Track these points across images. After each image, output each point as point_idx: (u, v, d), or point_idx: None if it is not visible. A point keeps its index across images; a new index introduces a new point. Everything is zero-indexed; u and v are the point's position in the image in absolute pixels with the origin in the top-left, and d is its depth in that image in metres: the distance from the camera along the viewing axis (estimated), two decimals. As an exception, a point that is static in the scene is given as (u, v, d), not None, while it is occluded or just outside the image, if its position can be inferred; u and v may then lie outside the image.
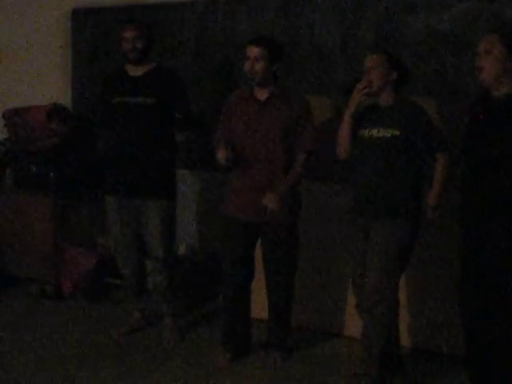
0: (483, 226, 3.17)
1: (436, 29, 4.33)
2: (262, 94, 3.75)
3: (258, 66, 3.66)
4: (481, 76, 3.15)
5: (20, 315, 4.70)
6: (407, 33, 4.42)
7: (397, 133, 3.44)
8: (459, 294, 3.35)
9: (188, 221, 5.24)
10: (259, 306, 4.22)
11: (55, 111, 5.25)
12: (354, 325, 4.14)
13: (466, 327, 3.34)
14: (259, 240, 3.86)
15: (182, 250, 5.19)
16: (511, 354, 3.16)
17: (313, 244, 4.33)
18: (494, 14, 4.15)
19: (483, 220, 3.17)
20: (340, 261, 4.24)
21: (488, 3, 4.15)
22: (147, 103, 4.08)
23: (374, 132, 3.50)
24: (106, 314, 4.72)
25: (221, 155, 3.64)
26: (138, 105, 4.10)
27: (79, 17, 5.75)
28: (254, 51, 3.66)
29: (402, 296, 3.90)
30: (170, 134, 4.22)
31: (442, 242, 3.91)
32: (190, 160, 5.11)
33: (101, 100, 4.32)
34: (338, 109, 4.29)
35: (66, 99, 5.76)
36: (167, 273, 4.23)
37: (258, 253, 3.90)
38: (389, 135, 3.45)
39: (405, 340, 4.00)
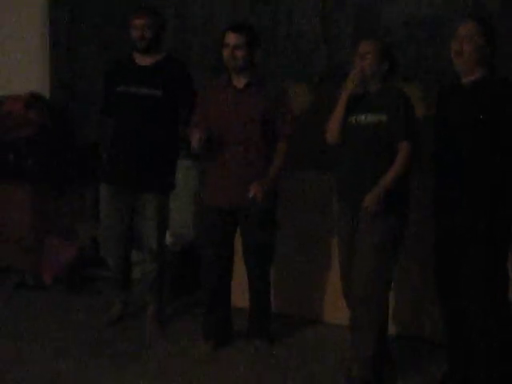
0: (455, 210, 3.20)
1: (414, 15, 4.33)
2: (240, 82, 3.73)
3: (239, 54, 3.64)
4: (459, 60, 3.17)
5: None
6: (385, 18, 4.43)
7: (384, 118, 3.41)
8: (435, 280, 3.38)
9: (175, 209, 5.21)
10: (240, 295, 4.21)
11: (33, 100, 5.21)
12: (335, 311, 4.17)
13: (443, 313, 3.39)
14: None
15: (167, 239, 5.17)
16: (489, 341, 3.18)
17: (296, 231, 4.34)
18: (469, 1, 4.16)
19: (455, 206, 3.20)
20: (322, 248, 4.25)
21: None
22: (152, 94, 4.00)
23: (361, 118, 3.47)
24: (86, 305, 4.68)
25: (194, 138, 3.60)
26: (142, 95, 4.01)
27: (57, 4, 5.69)
28: (233, 39, 3.64)
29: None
30: (173, 127, 4.12)
31: (424, 227, 3.92)
32: (189, 149, 5.08)
33: (104, 87, 4.21)
34: (318, 96, 4.29)
35: (43, 88, 5.71)
36: (158, 264, 4.21)
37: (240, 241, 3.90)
38: (375, 120, 3.43)
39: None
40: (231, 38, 3.65)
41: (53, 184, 5.17)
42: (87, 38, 5.52)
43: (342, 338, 3.92)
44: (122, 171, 4.10)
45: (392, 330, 4.08)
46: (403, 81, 3.94)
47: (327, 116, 3.57)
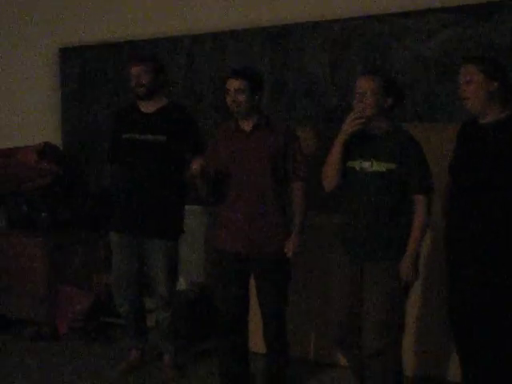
0: (470, 254, 3.16)
1: (423, 55, 4.36)
2: (247, 125, 3.74)
3: (241, 98, 3.65)
4: (467, 106, 3.16)
5: (15, 358, 4.63)
6: (395, 60, 4.45)
7: (393, 166, 3.20)
8: (449, 322, 3.34)
9: (187, 255, 5.20)
10: (258, 340, 4.17)
11: (46, 150, 5.23)
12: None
13: (460, 354, 3.34)
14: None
15: (182, 284, 5.15)
16: (504, 379, 3.14)
17: (310, 275, 4.31)
18: (479, 39, 4.19)
19: (470, 249, 3.16)
20: (338, 291, 4.20)
21: (472, 29, 4.19)
22: (156, 141, 4.04)
23: (366, 165, 3.26)
24: (103, 353, 4.65)
25: (196, 162, 3.56)
26: (147, 142, 4.05)
27: (67, 55, 5.78)
28: (233, 84, 3.66)
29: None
30: (179, 172, 4.11)
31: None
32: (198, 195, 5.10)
33: (111, 135, 4.27)
34: (327, 139, 4.29)
35: (56, 138, 5.76)
36: (172, 310, 4.18)
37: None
38: (384, 169, 3.21)
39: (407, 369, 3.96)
40: (232, 84, 3.67)
41: (66, 234, 5.18)
42: (98, 87, 5.57)
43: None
44: (128, 218, 4.11)
45: (409, 370, 4.04)
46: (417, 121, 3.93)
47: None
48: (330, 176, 3.37)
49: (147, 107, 4.13)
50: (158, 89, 4.13)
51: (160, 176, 4.05)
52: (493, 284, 3.10)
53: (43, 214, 5.05)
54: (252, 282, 3.81)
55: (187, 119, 4.15)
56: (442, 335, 3.92)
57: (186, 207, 4.29)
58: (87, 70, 5.68)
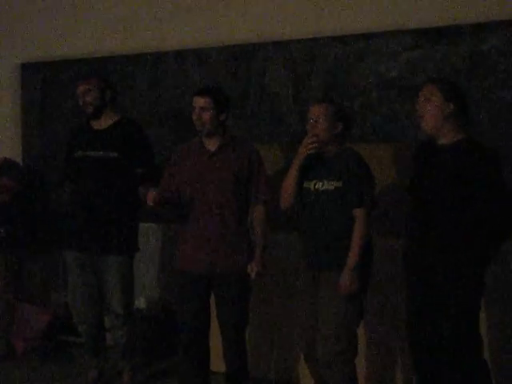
0: (428, 274, 3.20)
1: (385, 76, 4.42)
2: (212, 145, 3.75)
3: (205, 116, 3.66)
4: (422, 124, 3.22)
5: (-30, 377, 4.55)
6: (357, 81, 4.51)
7: (339, 184, 3.41)
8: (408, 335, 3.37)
9: (147, 273, 5.17)
10: (218, 359, 4.14)
11: (5, 166, 5.17)
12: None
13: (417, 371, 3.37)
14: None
15: (141, 303, 5.11)
16: None
17: (270, 294, 4.30)
18: (439, 61, 4.26)
19: (428, 269, 3.20)
20: (297, 311, 4.21)
21: (433, 51, 4.26)
22: (108, 157, 4.04)
23: (320, 185, 3.47)
24: (61, 373, 4.58)
25: (150, 197, 3.61)
26: (99, 159, 4.05)
27: (29, 71, 5.73)
28: (199, 102, 3.67)
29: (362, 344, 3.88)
30: (132, 188, 4.09)
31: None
32: (152, 212, 5.07)
33: (65, 153, 4.28)
34: (290, 157, 4.32)
35: (15, 154, 5.69)
36: (127, 328, 4.15)
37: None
38: (332, 187, 3.42)
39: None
40: (197, 101, 3.68)
41: (25, 250, 5.11)
42: (59, 103, 5.54)
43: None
44: (82, 236, 4.09)
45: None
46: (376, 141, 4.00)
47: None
48: (287, 196, 3.55)
49: (98, 124, 4.15)
50: (107, 105, 4.14)
51: (112, 192, 4.05)
52: (451, 309, 3.13)
53: (1, 231, 4.97)
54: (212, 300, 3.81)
55: (139, 135, 4.16)
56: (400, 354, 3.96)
57: (142, 225, 4.30)
58: (48, 86, 5.64)
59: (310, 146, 3.43)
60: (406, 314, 3.37)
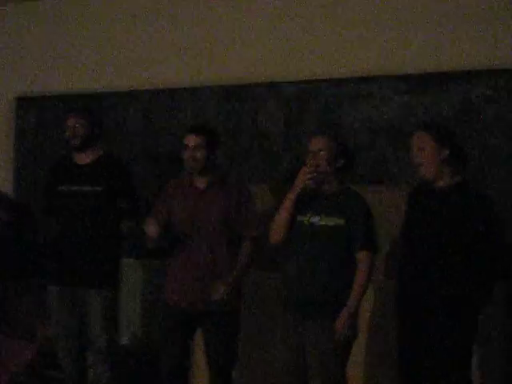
0: (421, 318, 3.20)
1: (375, 120, 4.47)
2: (202, 183, 3.76)
3: (199, 155, 3.68)
4: (421, 172, 3.24)
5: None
6: (348, 123, 4.55)
7: (341, 222, 3.27)
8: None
9: (131, 309, 5.15)
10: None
11: (-5, 198, 5.18)
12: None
13: None
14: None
15: (124, 339, 5.07)
16: None
17: (259, 333, 4.29)
18: (429, 107, 4.31)
19: (421, 313, 3.20)
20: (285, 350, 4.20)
21: (423, 96, 4.32)
22: (91, 192, 4.06)
23: (316, 219, 3.32)
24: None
25: (150, 229, 3.61)
26: (82, 194, 4.07)
27: (23, 105, 5.76)
28: (192, 140, 3.69)
29: None
30: (114, 223, 4.14)
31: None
32: (133, 248, 5.06)
33: (46, 187, 4.29)
34: (282, 197, 4.34)
35: (7, 187, 5.69)
36: (109, 365, 4.12)
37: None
38: (332, 224, 3.28)
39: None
40: (190, 140, 3.70)
41: (11, 282, 5.08)
42: (52, 137, 5.56)
43: None
44: (64, 270, 4.09)
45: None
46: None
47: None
48: (279, 230, 3.42)
49: (82, 159, 4.17)
50: (93, 141, 4.17)
51: (95, 226, 4.06)
52: (443, 352, 3.14)
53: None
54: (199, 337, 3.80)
55: (121, 170, 4.19)
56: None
57: (123, 260, 4.31)
58: (42, 120, 5.67)
59: (309, 176, 3.30)
60: (397, 356, 3.35)
